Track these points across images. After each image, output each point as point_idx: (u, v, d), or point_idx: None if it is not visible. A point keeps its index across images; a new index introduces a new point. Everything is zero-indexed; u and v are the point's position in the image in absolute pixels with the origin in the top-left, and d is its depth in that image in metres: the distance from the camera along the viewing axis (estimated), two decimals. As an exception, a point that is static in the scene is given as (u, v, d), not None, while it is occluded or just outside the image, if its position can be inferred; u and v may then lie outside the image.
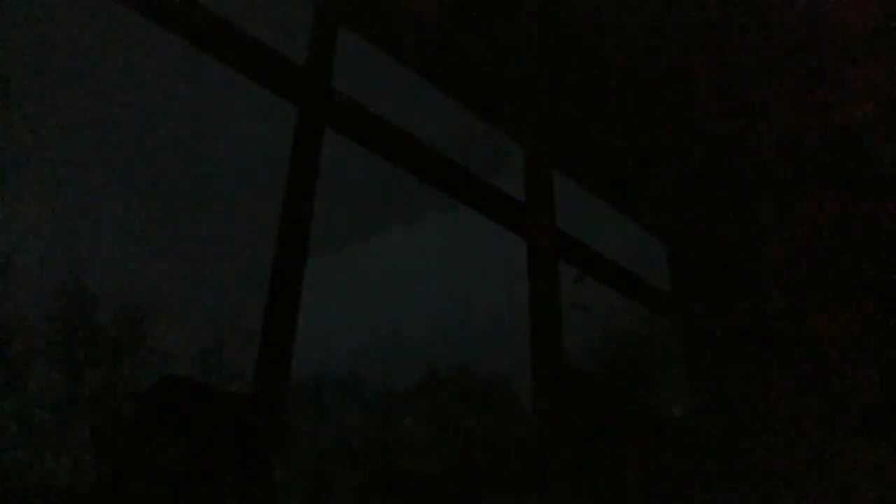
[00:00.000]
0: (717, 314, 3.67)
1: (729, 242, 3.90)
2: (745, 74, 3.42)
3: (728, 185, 3.96)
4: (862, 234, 3.47)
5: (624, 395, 2.87)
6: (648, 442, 2.85)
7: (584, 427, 2.62)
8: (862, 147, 3.53)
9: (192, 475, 1.57)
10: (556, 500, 2.39)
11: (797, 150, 3.71)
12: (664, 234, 3.82)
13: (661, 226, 3.81)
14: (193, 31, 2.11)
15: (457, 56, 2.98)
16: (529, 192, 3.08)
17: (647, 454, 2.82)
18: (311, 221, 2.13)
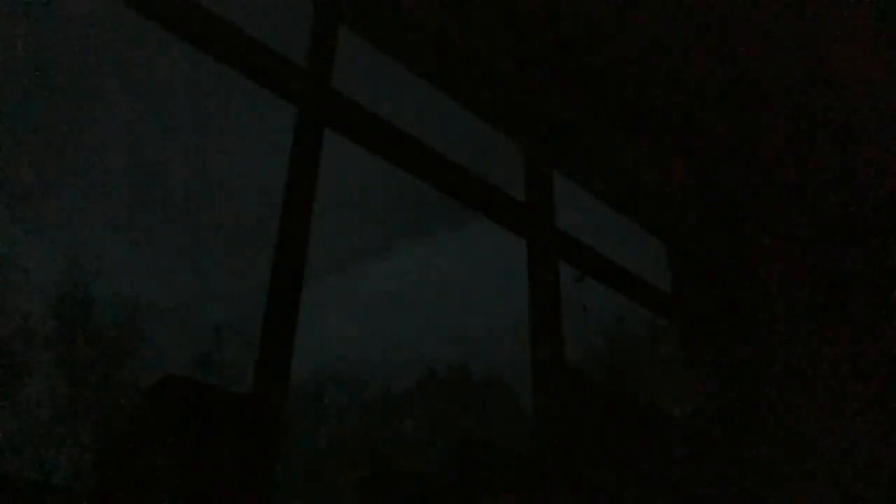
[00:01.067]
0: (718, 314, 3.67)
1: (729, 243, 3.90)
2: (746, 73, 3.42)
3: (728, 185, 3.96)
4: (862, 234, 3.47)
5: (624, 394, 2.87)
6: (648, 442, 2.85)
7: (584, 427, 2.62)
8: (862, 147, 3.53)
9: (192, 475, 1.57)
10: (556, 500, 2.39)
11: (797, 150, 3.71)
12: (664, 234, 3.83)
13: (662, 226, 3.82)
14: (193, 31, 2.12)
15: (457, 56, 2.98)
16: (529, 192, 3.08)
17: (647, 454, 2.82)
18: (311, 222, 2.13)
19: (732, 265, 3.82)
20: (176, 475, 1.55)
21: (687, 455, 3.01)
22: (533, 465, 2.46)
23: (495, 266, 2.74)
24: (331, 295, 2.12)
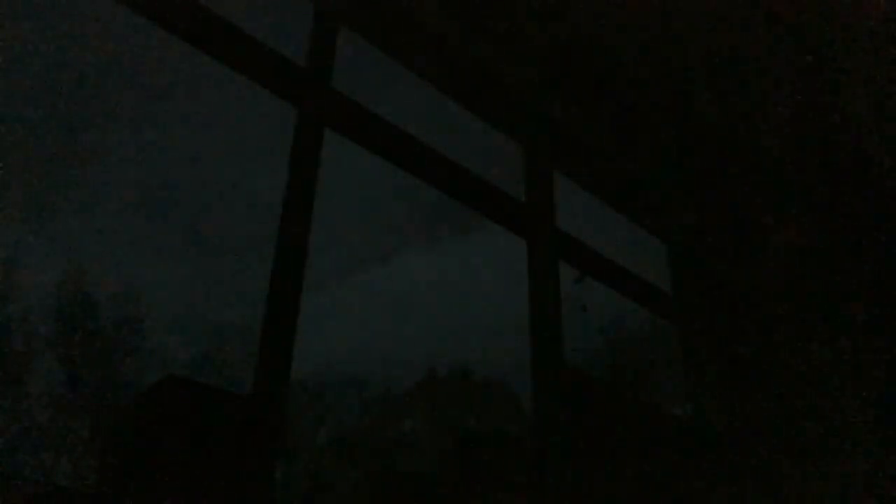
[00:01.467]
0: (718, 315, 3.67)
1: (729, 242, 3.89)
2: (745, 73, 3.42)
3: (729, 185, 3.96)
4: (861, 233, 3.47)
5: (624, 394, 2.87)
6: (649, 442, 2.85)
7: (585, 427, 2.62)
8: (861, 146, 3.52)
9: (192, 475, 1.57)
10: (556, 500, 2.39)
11: (797, 150, 3.71)
12: (664, 234, 3.82)
13: (661, 226, 3.82)
14: (193, 31, 2.12)
15: (457, 56, 2.98)
16: (529, 192, 3.08)
17: (647, 454, 2.82)
18: (311, 222, 2.13)
19: (732, 265, 3.82)
20: (176, 475, 1.55)
21: (687, 455, 3.01)
22: (533, 465, 2.46)
23: (496, 269, 2.75)
24: (333, 298, 2.12)
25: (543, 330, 2.72)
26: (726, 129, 3.74)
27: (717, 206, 3.98)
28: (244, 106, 2.20)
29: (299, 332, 1.96)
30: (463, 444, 2.34)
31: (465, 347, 2.46)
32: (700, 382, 3.44)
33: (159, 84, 2.00)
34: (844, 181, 3.62)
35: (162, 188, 1.87)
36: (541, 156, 3.19)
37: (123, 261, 1.71)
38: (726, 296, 3.75)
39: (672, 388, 3.43)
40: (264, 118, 2.22)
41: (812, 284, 3.54)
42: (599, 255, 3.24)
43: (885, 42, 3.12)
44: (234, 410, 1.70)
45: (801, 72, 3.35)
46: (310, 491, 2.00)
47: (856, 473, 3.03)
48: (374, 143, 2.50)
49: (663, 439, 2.94)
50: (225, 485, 1.62)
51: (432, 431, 2.35)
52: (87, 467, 1.50)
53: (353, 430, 2.15)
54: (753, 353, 3.55)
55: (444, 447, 2.33)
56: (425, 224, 2.58)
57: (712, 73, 3.44)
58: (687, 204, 3.87)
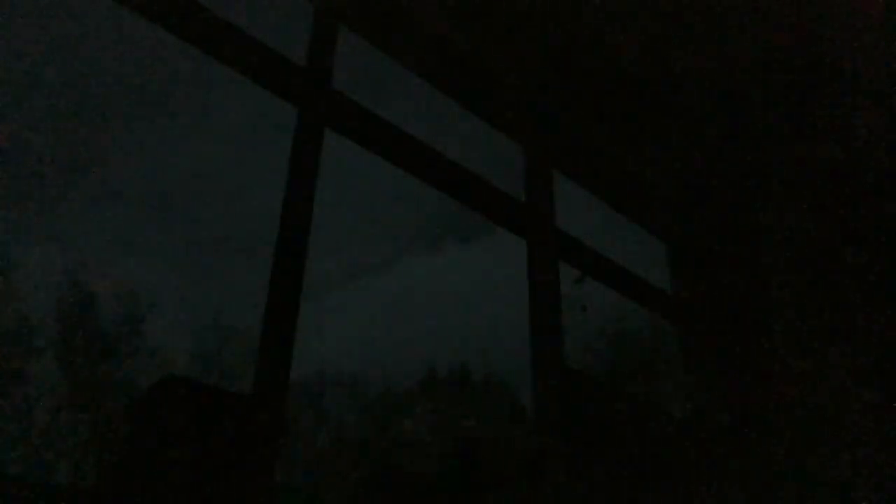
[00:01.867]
0: (718, 315, 3.67)
1: (730, 242, 3.90)
2: (746, 72, 3.42)
3: (729, 185, 3.96)
4: (863, 234, 3.47)
5: (624, 394, 2.88)
6: (648, 442, 2.85)
7: (585, 427, 2.62)
8: (861, 147, 3.53)
9: (192, 475, 1.57)
10: (557, 500, 2.39)
11: (797, 150, 3.71)
12: (664, 234, 3.82)
13: (662, 226, 3.82)
14: (193, 31, 2.12)
15: (457, 56, 2.98)
16: (529, 192, 3.08)
17: (647, 454, 2.82)
18: (311, 222, 2.14)
19: (732, 265, 3.82)
20: (176, 475, 1.55)
21: (687, 455, 3.01)
22: (533, 465, 2.46)
23: (496, 269, 2.75)
24: (334, 299, 2.12)
25: (543, 330, 2.72)
26: (727, 129, 3.74)
27: (717, 206, 3.98)
28: (244, 106, 2.20)
29: (300, 333, 1.96)
30: (463, 444, 2.34)
31: (465, 347, 2.46)
32: (700, 382, 3.44)
33: (159, 84, 2.00)
34: (845, 181, 3.63)
35: (163, 188, 1.87)
36: (541, 156, 3.19)
37: (123, 260, 1.71)
38: (726, 296, 3.75)
39: (672, 388, 3.43)
40: (264, 118, 2.22)
41: (812, 283, 3.54)
42: (599, 255, 3.24)
43: (884, 37, 3.12)
44: (234, 410, 1.70)
45: (802, 71, 3.35)
46: (310, 491, 2.01)
47: (858, 473, 3.03)
48: (374, 143, 2.50)
49: (663, 439, 2.94)
50: (225, 485, 1.62)
51: (432, 431, 2.35)
52: (88, 467, 1.50)
53: (353, 430, 2.15)
54: (753, 352, 3.55)
55: (444, 447, 2.34)
56: (426, 226, 2.59)
57: (712, 73, 3.44)
58: (687, 204, 3.87)
